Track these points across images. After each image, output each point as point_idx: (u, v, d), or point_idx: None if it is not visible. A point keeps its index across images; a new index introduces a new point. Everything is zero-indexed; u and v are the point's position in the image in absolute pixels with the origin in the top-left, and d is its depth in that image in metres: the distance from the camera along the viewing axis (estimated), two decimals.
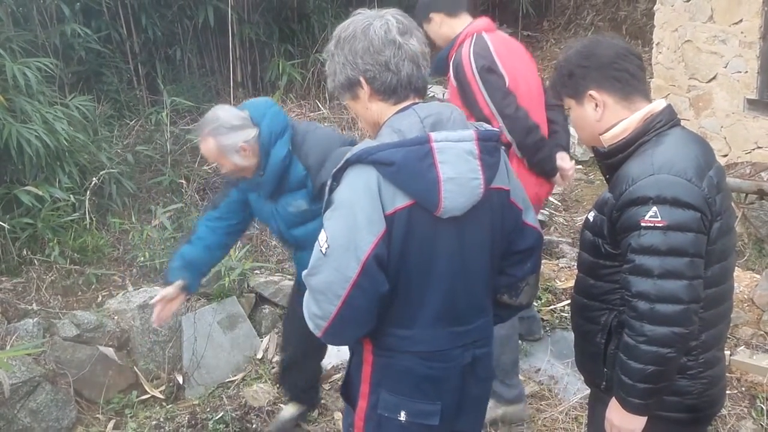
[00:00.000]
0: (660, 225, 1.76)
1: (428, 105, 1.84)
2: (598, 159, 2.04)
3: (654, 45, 5.76)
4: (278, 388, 3.70)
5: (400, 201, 1.75)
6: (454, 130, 1.80)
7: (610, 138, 1.96)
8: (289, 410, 3.46)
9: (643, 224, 1.78)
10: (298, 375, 3.36)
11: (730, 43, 5.00)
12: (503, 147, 1.98)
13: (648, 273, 1.79)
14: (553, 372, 3.72)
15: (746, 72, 4.93)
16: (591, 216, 2.00)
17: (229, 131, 2.71)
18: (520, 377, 3.67)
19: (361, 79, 1.83)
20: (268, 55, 7.04)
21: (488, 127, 1.91)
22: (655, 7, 5.70)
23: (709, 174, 1.82)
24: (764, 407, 3.32)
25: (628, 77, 1.92)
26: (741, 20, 4.90)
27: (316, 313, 1.79)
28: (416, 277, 1.82)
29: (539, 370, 3.77)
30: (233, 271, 4.12)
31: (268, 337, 4.15)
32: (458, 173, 1.76)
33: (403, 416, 1.90)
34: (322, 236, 1.77)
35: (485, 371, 2.04)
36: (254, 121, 2.76)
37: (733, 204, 4.68)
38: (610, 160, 1.97)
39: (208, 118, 2.76)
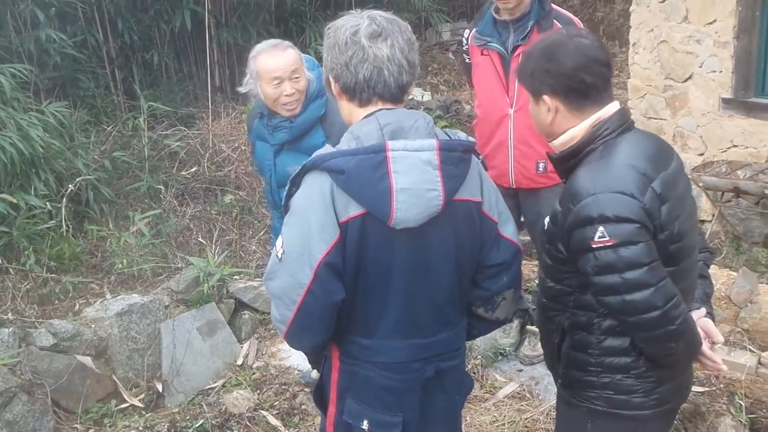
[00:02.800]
0: (610, 244, 1.77)
1: (393, 112, 1.78)
2: (552, 164, 2.04)
3: (630, 45, 5.80)
4: (259, 394, 3.68)
5: (353, 209, 1.72)
6: (416, 138, 1.74)
7: (559, 145, 1.98)
8: None
9: (594, 246, 1.79)
10: None
11: (704, 43, 5.03)
12: (479, 157, 1.92)
13: (615, 291, 1.80)
14: (533, 373, 3.73)
15: (721, 71, 4.97)
16: (546, 223, 1.99)
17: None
18: (501, 378, 3.71)
19: (330, 76, 1.82)
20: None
21: (461, 136, 1.86)
22: (631, 8, 5.74)
23: (652, 186, 1.81)
24: (743, 404, 3.34)
25: (585, 88, 1.90)
26: (715, 20, 4.94)
27: (277, 317, 1.82)
28: (374, 286, 1.80)
29: (520, 370, 3.77)
30: (212, 277, 4.10)
31: (248, 343, 4.12)
32: (413, 184, 1.70)
33: (365, 425, 1.90)
34: (278, 242, 1.78)
35: (454, 385, 2.01)
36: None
37: (709, 201, 4.76)
38: (562, 166, 1.98)
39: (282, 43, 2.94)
